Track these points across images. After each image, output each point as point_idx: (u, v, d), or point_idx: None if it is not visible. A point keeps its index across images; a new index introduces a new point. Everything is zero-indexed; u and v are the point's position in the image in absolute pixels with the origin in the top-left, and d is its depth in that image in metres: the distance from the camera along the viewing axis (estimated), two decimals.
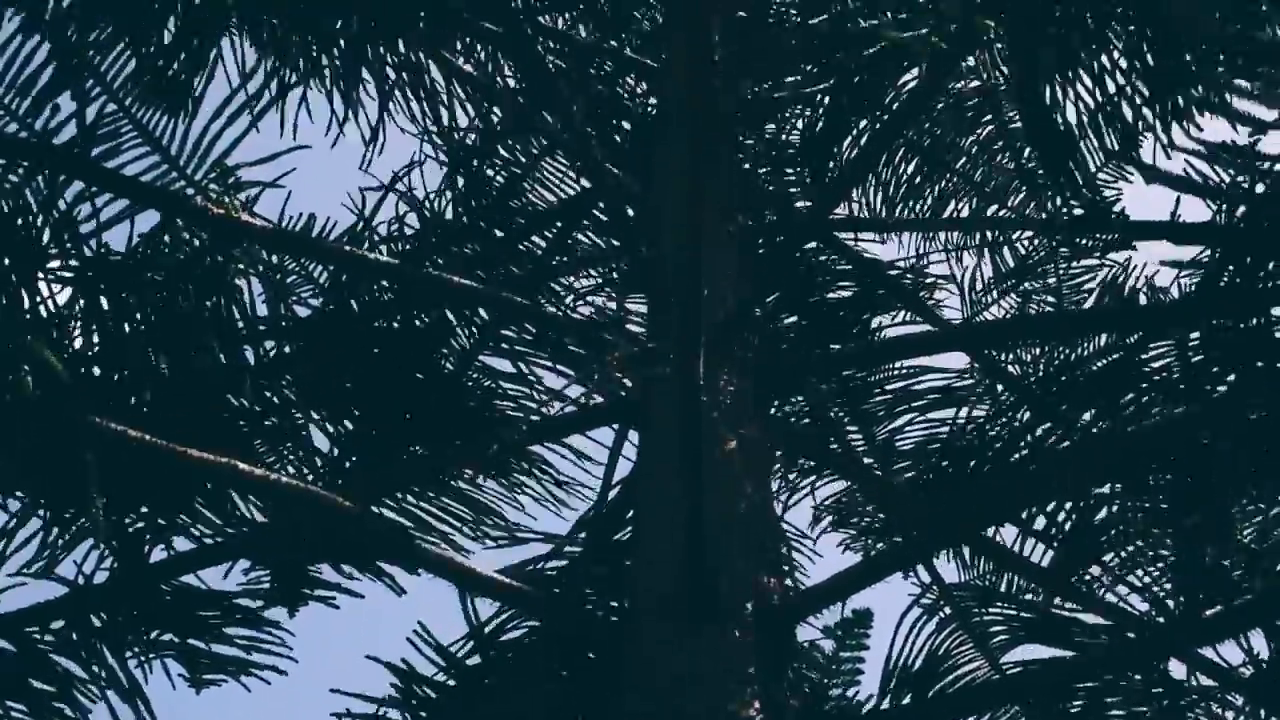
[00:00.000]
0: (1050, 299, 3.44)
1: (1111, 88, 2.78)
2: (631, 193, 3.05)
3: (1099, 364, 2.84)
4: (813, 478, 3.30)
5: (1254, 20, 2.30)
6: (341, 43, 3.02)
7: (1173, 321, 2.56)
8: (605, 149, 3.25)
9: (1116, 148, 3.03)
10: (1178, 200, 2.82)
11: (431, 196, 3.25)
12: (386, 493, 2.92)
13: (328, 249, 2.95)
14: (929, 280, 3.42)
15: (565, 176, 3.43)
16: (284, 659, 2.79)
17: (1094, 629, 2.73)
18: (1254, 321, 2.50)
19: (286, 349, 2.88)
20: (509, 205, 3.34)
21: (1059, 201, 3.30)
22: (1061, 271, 3.42)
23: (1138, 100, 2.76)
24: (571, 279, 3.34)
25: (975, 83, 3.40)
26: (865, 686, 2.64)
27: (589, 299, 3.33)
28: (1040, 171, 3.33)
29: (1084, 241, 3.35)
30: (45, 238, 2.62)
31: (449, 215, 3.27)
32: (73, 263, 2.63)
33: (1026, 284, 3.47)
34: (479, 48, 3.39)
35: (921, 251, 3.55)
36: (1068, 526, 2.81)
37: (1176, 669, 2.69)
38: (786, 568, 3.17)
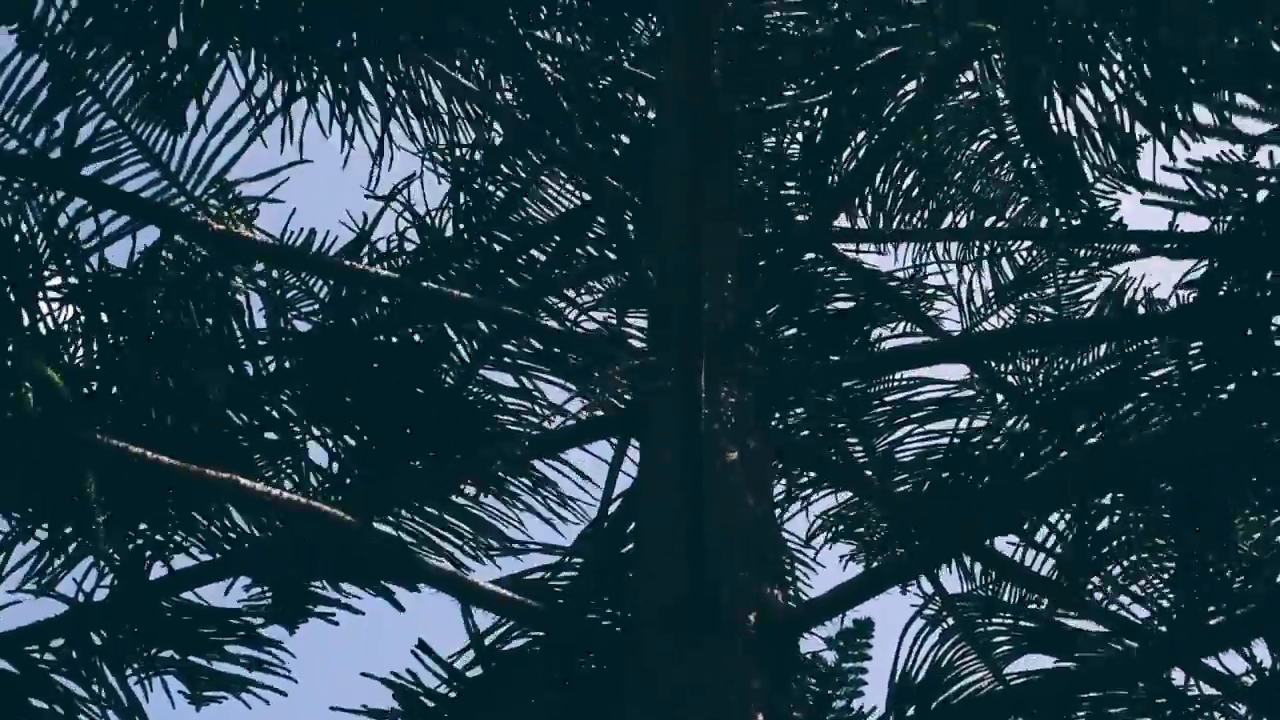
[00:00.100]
0: (1049, 309, 3.44)
1: (1110, 97, 2.78)
2: (631, 205, 3.06)
3: (1098, 373, 2.84)
4: (814, 489, 3.30)
5: (1255, 34, 2.31)
6: (344, 64, 3.04)
7: (1172, 331, 2.56)
8: (604, 162, 3.26)
9: (1115, 159, 3.04)
10: (1175, 211, 2.82)
11: (433, 213, 3.26)
12: (387, 508, 2.92)
13: (328, 264, 2.95)
14: (928, 291, 3.42)
15: (565, 190, 3.44)
16: (285, 676, 2.79)
17: (1097, 639, 2.73)
18: (1252, 330, 2.50)
19: (287, 364, 2.88)
20: (509, 220, 3.35)
21: (1057, 212, 3.30)
22: (1060, 282, 3.43)
23: (1136, 110, 2.77)
24: (572, 292, 3.34)
25: (974, 95, 3.41)
26: (868, 698, 2.64)
27: (589, 312, 3.34)
28: (1039, 183, 3.34)
29: (1083, 252, 3.36)
30: (45, 254, 2.62)
31: (449, 231, 3.28)
32: (73, 280, 2.64)
33: (1025, 294, 3.47)
34: (478, 63, 3.40)
35: (920, 263, 3.56)
36: (1069, 537, 2.81)
37: (1178, 676, 2.69)
38: (788, 579, 3.17)
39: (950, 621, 2.92)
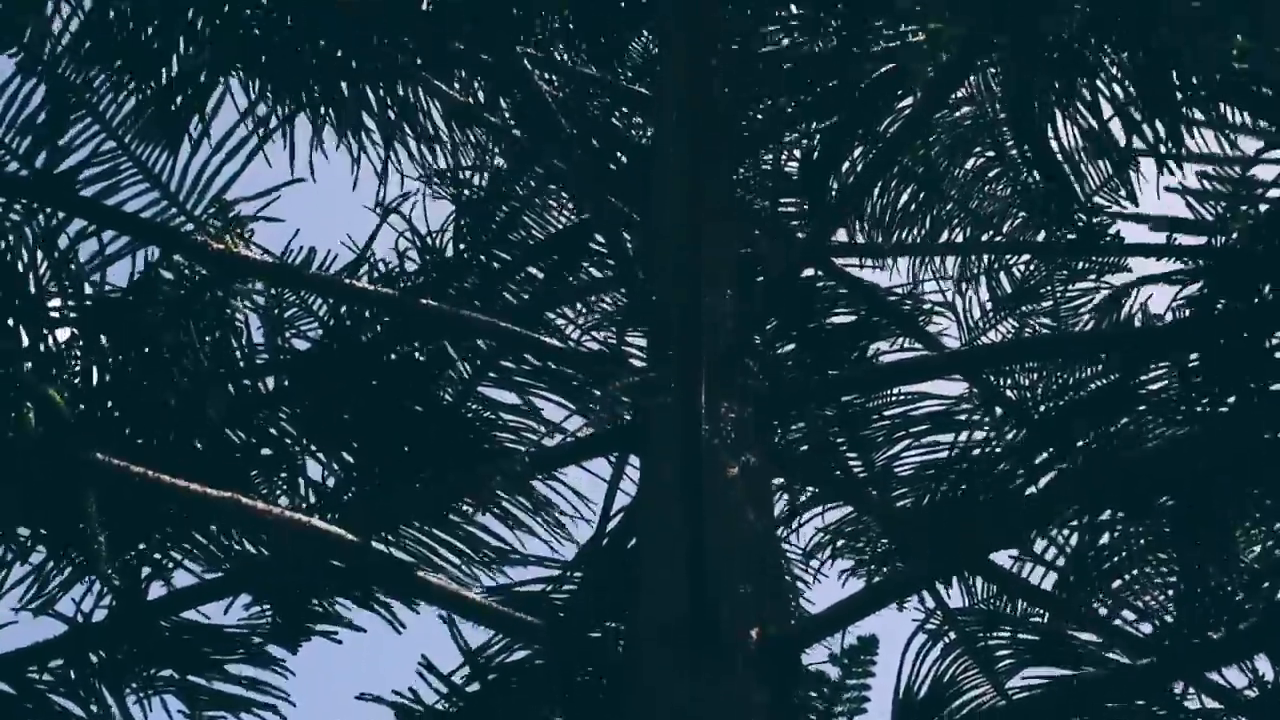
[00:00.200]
0: (1048, 322, 3.44)
1: (1107, 111, 2.79)
2: (630, 222, 3.06)
3: (1096, 385, 2.84)
4: (814, 505, 3.30)
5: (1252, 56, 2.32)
6: (344, 89, 3.06)
7: (1170, 344, 2.56)
8: (603, 179, 3.27)
9: (1111, 173, 3.05)
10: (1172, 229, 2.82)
11: (433, 234, 3.27)
12: (386, 525, 2.92)
13: (328, 282, 2.95)
14: (926, 306, 3.43)
15: (563, 207, 3.45)
16: (285, 695, 2.78)
17: (1099, 653, 2.73)
18: (1250, 343, 2.50)
19: (285, 382, 2.89)
20: (509, 238, 3.36)
21: (1055, 226, 3.31)
22: (1058, 295, 3.43)
23: (1132, 124, 2.78)
24: (571, 309, 3.35)
25: (970, 110, 3.42)
26: (871, 714, 2.63)
27: (589, 330, 3.34)
28: (1035, 198, 3.35)
29: (1080, 265, 3.36)
30: (46, 275, 2.62)
31: (449, 250, 3.28)
32: (73, 300, 2.64)
33: (1024, 308, 3.47)
34: (477, 82, 3.41)
35: (919, 277, 3.56)
36: (1070, 550, 2.81)
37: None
38: (790, 595, 3.17)
39: (952, 636, 2.92)
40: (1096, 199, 3.24)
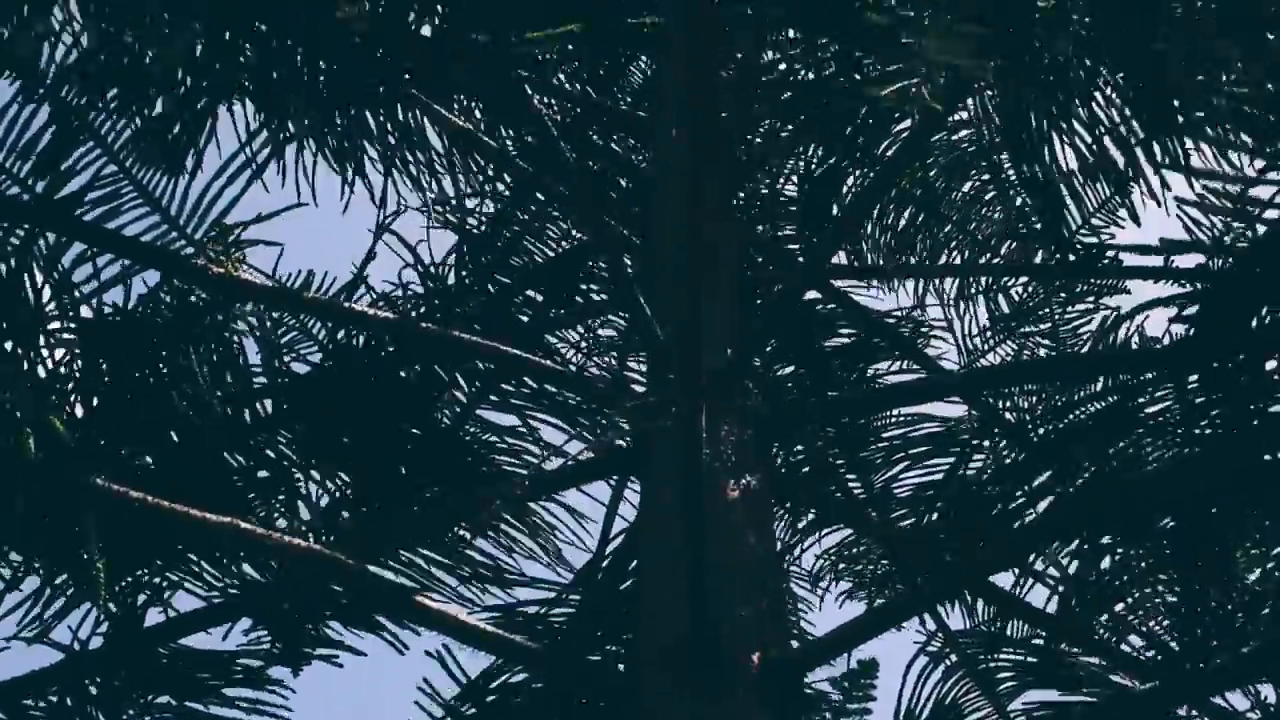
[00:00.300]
0: (1047, 344, 3.45)
1: (1104, 131, 2.81)
2: (630, 245, 3.07)
3: (1095, 407, 2.85)
4: (814, 527, 3.30)
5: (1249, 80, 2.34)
6: (341, 116, 3.07)
7: (1169, 365, 2.57)
8: (603, 203, 3.28)
9: (1109, 194, 3.06)
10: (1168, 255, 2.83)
11: (436, 264, 3.27)
12: (385, 549, 2.91)
13: (326, 305, 2.96)
14: (925, 328, 3.43)
15: (564, 230, 3.46)
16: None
17: (1101, 675, 2.72)
18: (1248, 364, 2.51)
19: (284, 405, 2.89)
20: (509, 263, 3.37)
21: (1053, 248, 3.32)
22: (1057, 316, 3.44)
23: (1131, 142, 2.79)
24: (572, 332, 3.35)
25: (969, 131, 3.44)
26: None
27: (589, 353, 3.35)
28: (1030, 220, 3.36)
29: (1079, 287, 3.37)
30: (46, 299, 2.63)
31: (450, 276, 3.29)
32: (72, 323, 2.64)
33: (1022, 329, 3.48)
34: (475, 106, 3.42)
35: (918, 299, 3.57)
36: (1071, 572, 2.80)
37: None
38: (792, 617, 3.16)
39: (953, 658, 2.91)
40: (1094, 220, 3.25)
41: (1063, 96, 2.79)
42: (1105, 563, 2.76)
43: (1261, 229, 2.42)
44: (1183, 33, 2.33)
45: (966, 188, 3.52)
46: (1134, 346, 3.04)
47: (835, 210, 3.44)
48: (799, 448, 3.20)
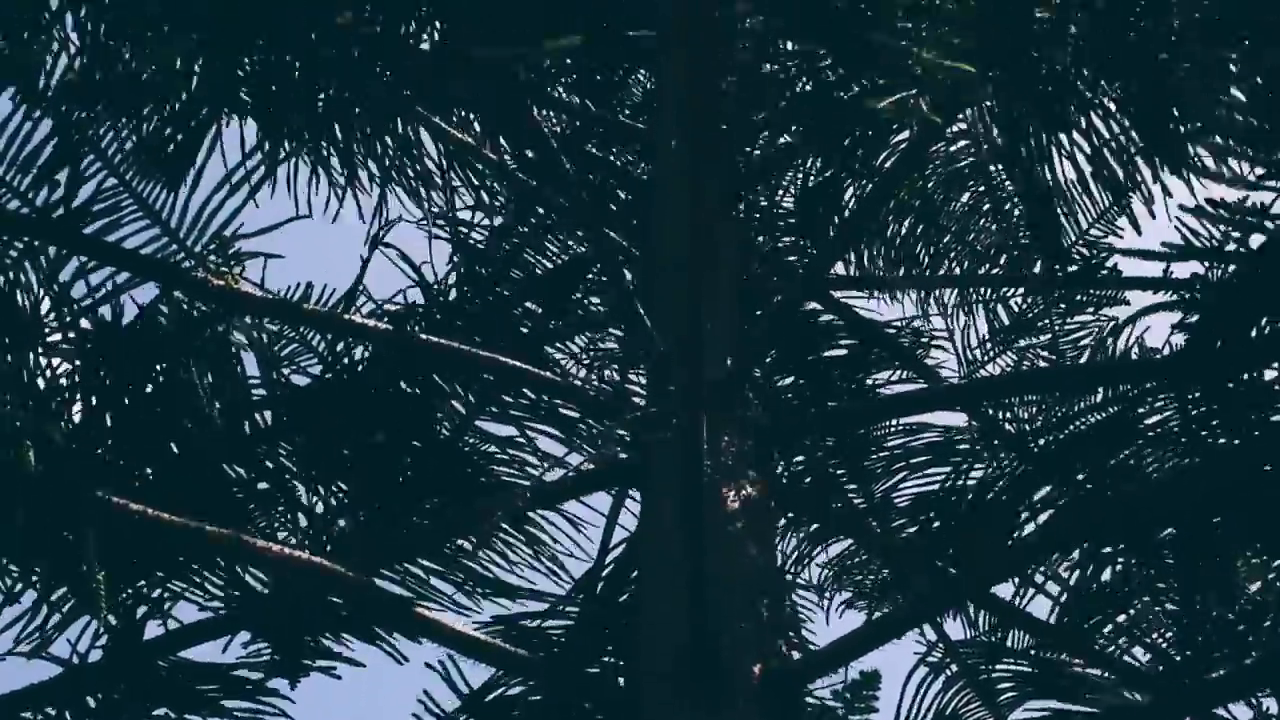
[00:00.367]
0: (1046, 355, 3.45)
1: (1099, 144, 2.81)
2: (629, 256, 3.07)
3: (1095, 418, 2.85)
4: (814, 537, 3.30)
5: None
6: (340, 131, 3.08)
7: (1169, 375, 2.57)
8: (603, 214, 3.28)
9: (1108, 204, 3.07)
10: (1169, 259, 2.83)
11: (439, 280, 3.27)
12: (384, 560, 2.91)
13: (326, 317, 2.96)
14: (925, 338, 3.43)
15: (563, 243, 3.46)
16: None
17: (1102, 686, 2.72)
18: (1248, 375, 2.51)
19: (284, 417, 2.89)
20: (509, 275, 3.37)
21: (1052, 259, 3.33)
22: (1057, 327, 3.44)
23: (1127, 157, 2.79)
24: (572, 344, 3.35)
25: (966, 143, 3.44)
26: None
27: (589, 364, 3.35)
28: (1027, 232, 3.37)
29: (1078, 298, 3.37)
30: (46, 311, 2.63)
31: (450, 290, 3.29)
32: (72, 336, 2.64)
33: (1022, 340, 3.48)
34: (474, 120, 3.43)
35: (919, 309, 3.57)
36: (1073, 582, 2.80)
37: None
38: (792, 628, 3.15)
39: (954, 668, 2.91)
40: (1093, 231, 3.26)
41: (1060, 108, 2.80)
42: (1106, 573, 2.75)
43: (1260, 238, 2.42)
44: (1182, 41, 2.34)
45: (965, 198, 3.53)
46: (1134, 357, 3.04)
47: (834, 221, 3.45)
48: (799, 458, 3.20)
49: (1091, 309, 3.39)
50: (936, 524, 2.92)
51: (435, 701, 2.81)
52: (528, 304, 3.35)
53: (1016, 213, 3.44)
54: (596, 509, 3.03)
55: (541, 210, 3.40)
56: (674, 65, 3.01)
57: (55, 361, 2.61)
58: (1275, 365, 2.45)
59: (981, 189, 3.51)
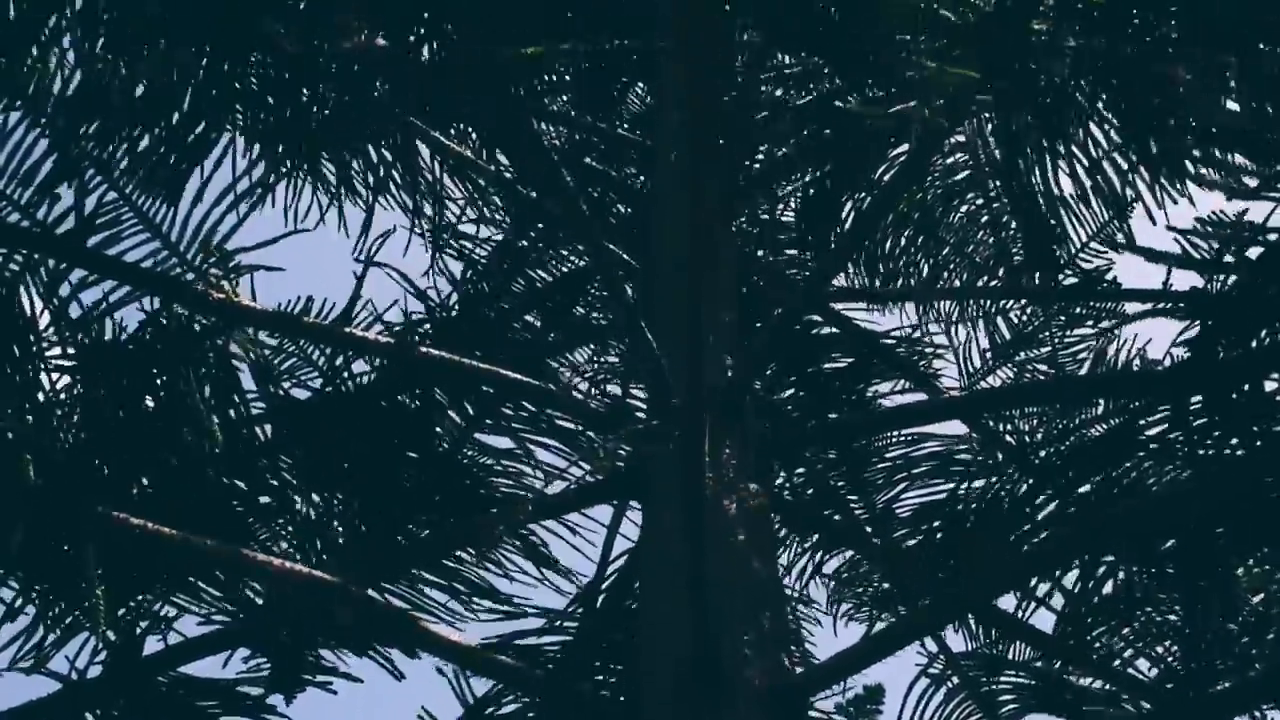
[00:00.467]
0: (1046, 367, 3.45)
1: (1099, 155, 2.82)
2: (629, 269, 3.07)
3: (1096, 430, 2.85)
4: (816, 549, 3.29)
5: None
6: (337, 148, 3.08)
7: (1170, 387, 2.57)
8: (603, 227, 3.29)
9: (1107, 218, 3.07)
10: (1169, 270, 2.84)
11: (435, 283, 3.28)
12: (383, 573, 2.90)
13: (326, 330, 2.96)
14: (925, 350, 3.44)
15: (562, 255, 3.46)
16: None
17: (1104, 698, 2.71)
18: (1248, 387, 2.51)
19: (284, 430, 2.88)
20: (510, 289, 3.38)
21: (1051, 271, 3.33)
22: (1056, 340, 3.45)
23: (1125, 170, 2.80)
24: (572, 357, 3.36)
25: (965, 156, 3.45)
26: None
27: (590, 377, 3.35)
28: (1021, 245, 3.38)
29: (1078, 310, 3.38)
30: (46, 325, 2.63)
31: (451, 296, 3.30)
32: (72, 349, 2.64)
33: (1022, 352, 3.49)
34: (472, 133, 3.44)
35: (918, 321, 3.58)
36: (1075, 594, 2.80)
37: None
38: (795, 640, 3.15)
39: (955, 680, 2.90)
40: (1092, 245, 3.27)
41: (1058, 120, 2.81)
42: (1108, 585, 2.75)
43: (1258, 249, 2.43)
44: (1180, 53, 2.35)
45: (964, 210, 3.54)
46: (1135, 368, 3.04)
47: (834, 233, 3.45)
48: (800, 469, 3.20)
49: (1090, 322, 3.40)
50: (938, 535, 2.92)
51: (434, 717, 2.80)
52: (527, 317, 3.35)
53: (1014, 225, 3.45)
54: (598, 520, 3.03)
55: (541, 224, 3.41)
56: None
57: (55, 375, 2.61)
58: (1276, 376, 2.45)
59: (979, 201, 3.52)
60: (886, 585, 3.22)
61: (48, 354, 2.62)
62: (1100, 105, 2.68)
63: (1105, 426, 2.79)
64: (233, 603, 2.75)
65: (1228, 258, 2.39)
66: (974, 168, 3.43)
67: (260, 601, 2.75)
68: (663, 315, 2.81)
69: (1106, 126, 2.72)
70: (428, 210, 3.42)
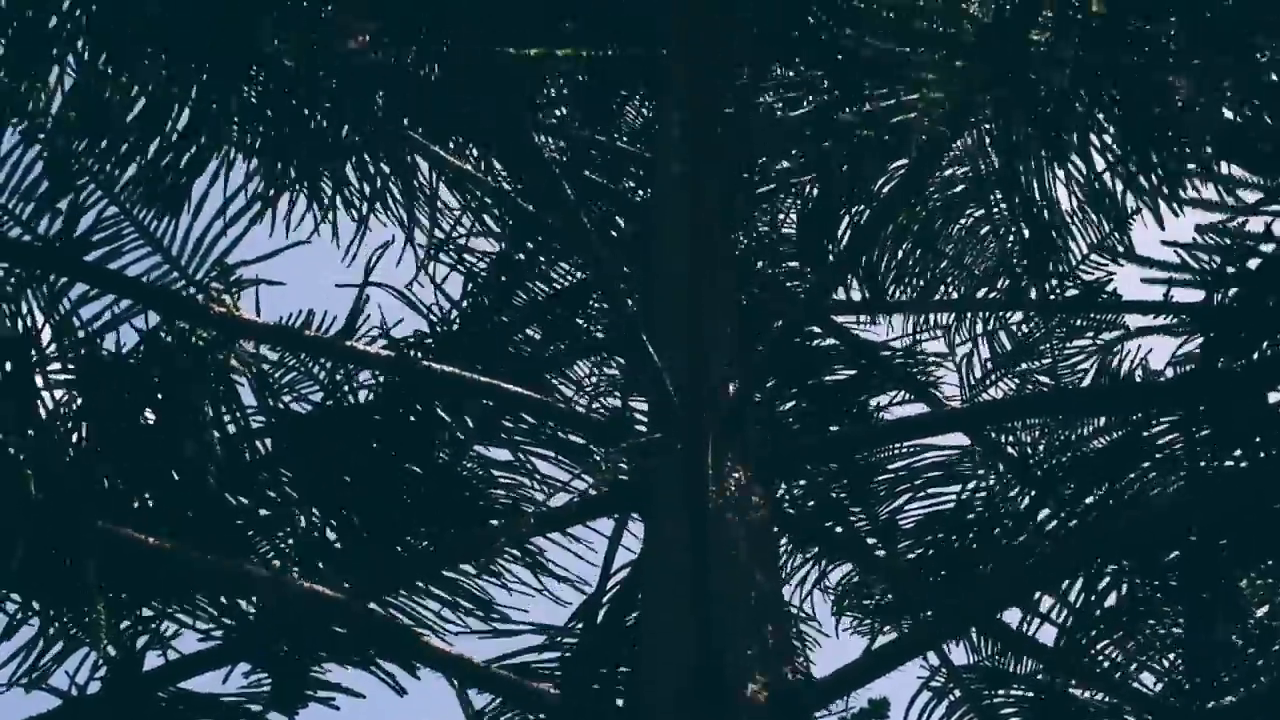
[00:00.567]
0: (1047, 379, 3.45)
1: (1100, 165, 2.82)
2: (630, 281, 3.07)
3: (1098, 442, 2.84)
4: (818, 562, 3.29)
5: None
6: (334, 162, 3.09)
7: (1173, 399, 2.57)
8: (603, 240, 3.29)
9: (1108, 230, 3.07)
10: (1170, 280, 2.84)
11: (436, 296, 3.27)
12: (384, 587, 2.89)
13: (327, 344, 2.95)
14: (926, 362, 3.44)
15: (563, 269, 3.46)
16: None
17: (1108, 712, 2.70)
18: (1250, 399, 2.51)
19: (284, 444, 2.88)
20: (511, 302, 3.37)
21: (1052, 282, 3.33)
22: (1057, 351, 3.45)
23: (1128, 180, 2.80)
24: (573, 368, 3.35)
25: (965, 168, 3.46)
26: None
27: (591, 390, 3.35)
28: (1021, 257, 3.38)
29: (1079, 322, 3.38)
30: (47, 340, 2.63)
31: (450, 309, 3.29)
32: (73, 364, 2.64)
33: (1023, 364, 3.48)
34: (470, 147, 3.44)
35: (918, 333, 3.58)
36: (1077, 607, 2.79)
37: None
38: (798, 654, 3.14)
39: (958, 694, 2.89)
40: (1093, 256, 3.27)
41: (1058, 131, 2.81)
42: (1111, 597, 2.74)
43: (1257, 261, 2.43)
44: (1180, 63, 2.35)
45: (963, 222, 3.54)
46: (1137, 380, 3.04)
47: (833, 246, 3.45)
48: (801, 482, 3.19)
49: (1091, 334, 3.40)
50: (940, 548, 2.91)
51: None
52: (528, 330, 3.35)
53: (1012, 236, 3.45)
54: (600, 531, 3.03)
55: (541, 237, 3.41)
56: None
57: (56, 389, 2.61)
58: (1278, 388, 2.45)
59: (979, 213, 3.52)
60: (889, 598, 3.21)
61: (49, 368, 2.62)
62: (1100, 115, 2.68)
63: (1108, 438, 2.79)
64: (233, 617, 2.74)
65: (1229, 269, 2.39)
66: (974, 179, 3.43)
67: (261, 616, 2.74)
68: (663, 327, 2.81)
69: (1106, 137, 2.72)
70: (426, 223, 3.43)
